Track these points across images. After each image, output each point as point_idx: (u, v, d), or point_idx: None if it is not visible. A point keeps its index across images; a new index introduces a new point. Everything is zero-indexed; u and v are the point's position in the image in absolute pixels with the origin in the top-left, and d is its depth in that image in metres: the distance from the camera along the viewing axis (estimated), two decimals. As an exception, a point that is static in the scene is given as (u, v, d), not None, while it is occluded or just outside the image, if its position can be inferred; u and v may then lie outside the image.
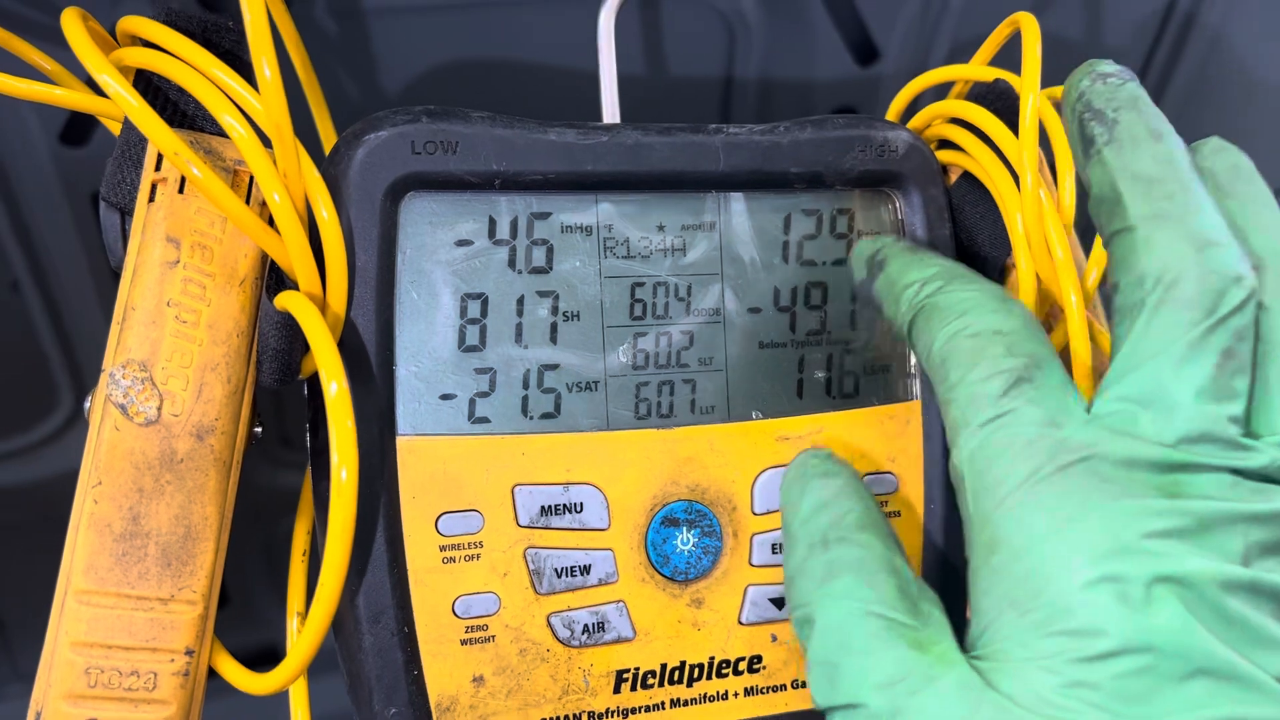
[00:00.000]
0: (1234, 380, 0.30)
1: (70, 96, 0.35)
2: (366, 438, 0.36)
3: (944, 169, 0.44)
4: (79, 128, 0.51)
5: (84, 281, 0.54)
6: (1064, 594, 0.28)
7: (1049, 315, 0.42)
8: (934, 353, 0.34)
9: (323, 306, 0.34)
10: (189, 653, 0.32)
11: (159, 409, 0.32)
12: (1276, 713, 0.27)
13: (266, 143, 0.33)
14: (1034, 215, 0.38)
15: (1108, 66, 0.34)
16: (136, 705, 0.31)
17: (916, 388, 0.42)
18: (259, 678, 0.33)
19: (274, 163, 0.32)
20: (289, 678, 0.32)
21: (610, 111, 0.43)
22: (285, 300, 0.33)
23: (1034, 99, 0.38)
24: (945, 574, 0.42)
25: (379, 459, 0.36)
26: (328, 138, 0.46)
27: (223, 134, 0.36)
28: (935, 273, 0.36)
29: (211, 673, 0.34)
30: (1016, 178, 0.39)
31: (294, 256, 0.33)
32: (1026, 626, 0.29)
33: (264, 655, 0.96)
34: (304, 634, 0.31)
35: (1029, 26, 0.39)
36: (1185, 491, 0.29)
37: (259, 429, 0.37)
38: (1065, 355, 0.40)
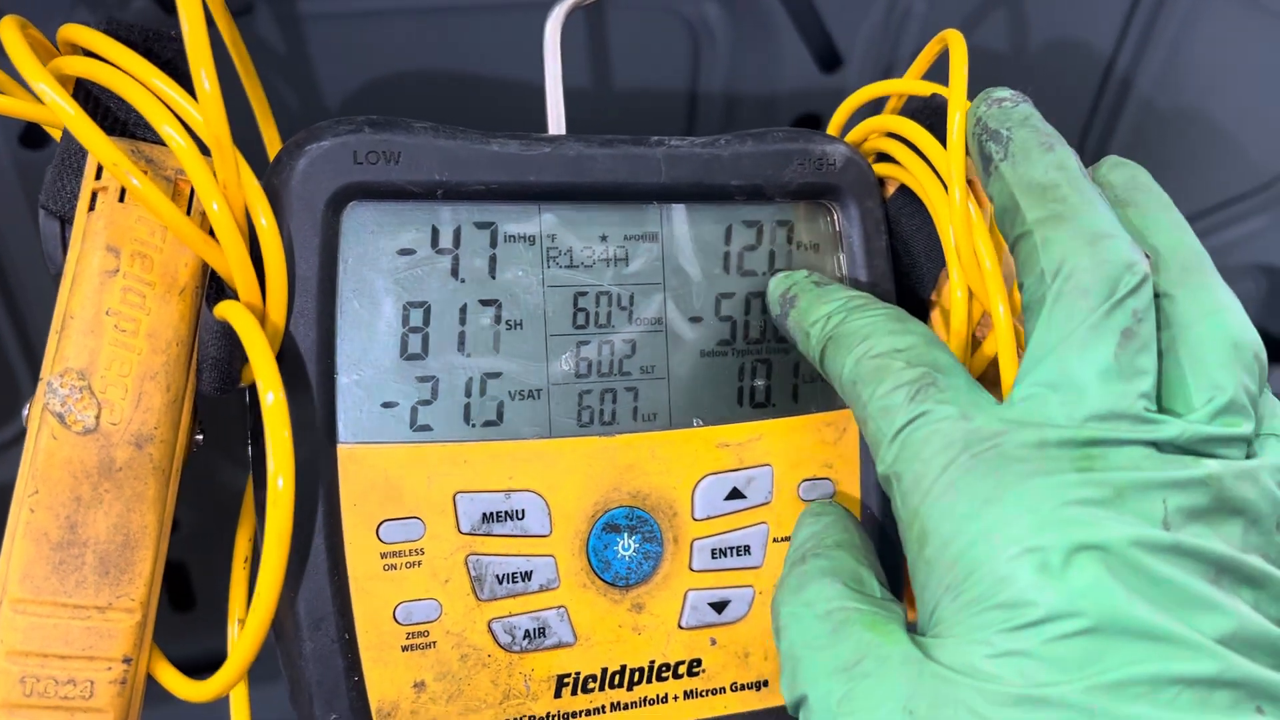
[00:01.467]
0: (1137, 359, 0.31)
1: (10, 103, 0.35)
2: (307, 446, 0.36)
3: (881, 182, 0.45)
4: (37, 131, 0.50)
5: (47, 285, 0.53)
6: (991, 571, 0.30)
7: (981, 324, 0.43)
8: (844, 379, 0.36)
9: (262, 316, 0.34)
10: (127, 661, 0.32)
11: (97, 418, 0.32)
12: (1206, 668, 0.28)
13: (206, 152, 0.33)
14: (963, 227, 0.39)
15: (1002, 92, 0.37)
16: (73, 714, 0.31)
17: (854, 395, 0.43)
18: (198, 685, 0.33)
19: (213, 173, 0.33)
20: (227, 684, 0.32)
21: (556, 123, 0.43)
22: (224, 310, 0.33)
23: (960, 114, 0.39)
24: (886, 573, 0.43)
25: (320, 467, 0.36)
26: (273, 147, 0.46)
27: (163, 143, 0.36)
28: (839, 305, 0.38)
29: (152, 680, 0.34)
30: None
31: (233, 266, 0.33)
32: (961, 606, 0.30)
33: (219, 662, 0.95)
34: (241, 639, 0.32)
35: (956, 43, 0.40)
36: (1100, 465, 0.30)
37: (200, 436, 0.37)
38: (995, 365, 0.41)
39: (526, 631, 0.39)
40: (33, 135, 0.50)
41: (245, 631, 0.31)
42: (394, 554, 0.37)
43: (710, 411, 0.41)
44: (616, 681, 0.40)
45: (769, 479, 0.42)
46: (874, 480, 0.43)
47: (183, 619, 0.83)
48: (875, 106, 0.48)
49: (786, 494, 0.42)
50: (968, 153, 0.38)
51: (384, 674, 0.37)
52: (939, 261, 0.43)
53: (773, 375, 0.42)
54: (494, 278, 0.39)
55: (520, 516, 0.39)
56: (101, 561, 0.32)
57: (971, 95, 0.39)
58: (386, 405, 0.37)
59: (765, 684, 0.42)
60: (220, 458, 0.55)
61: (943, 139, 0.41)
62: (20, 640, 0.31)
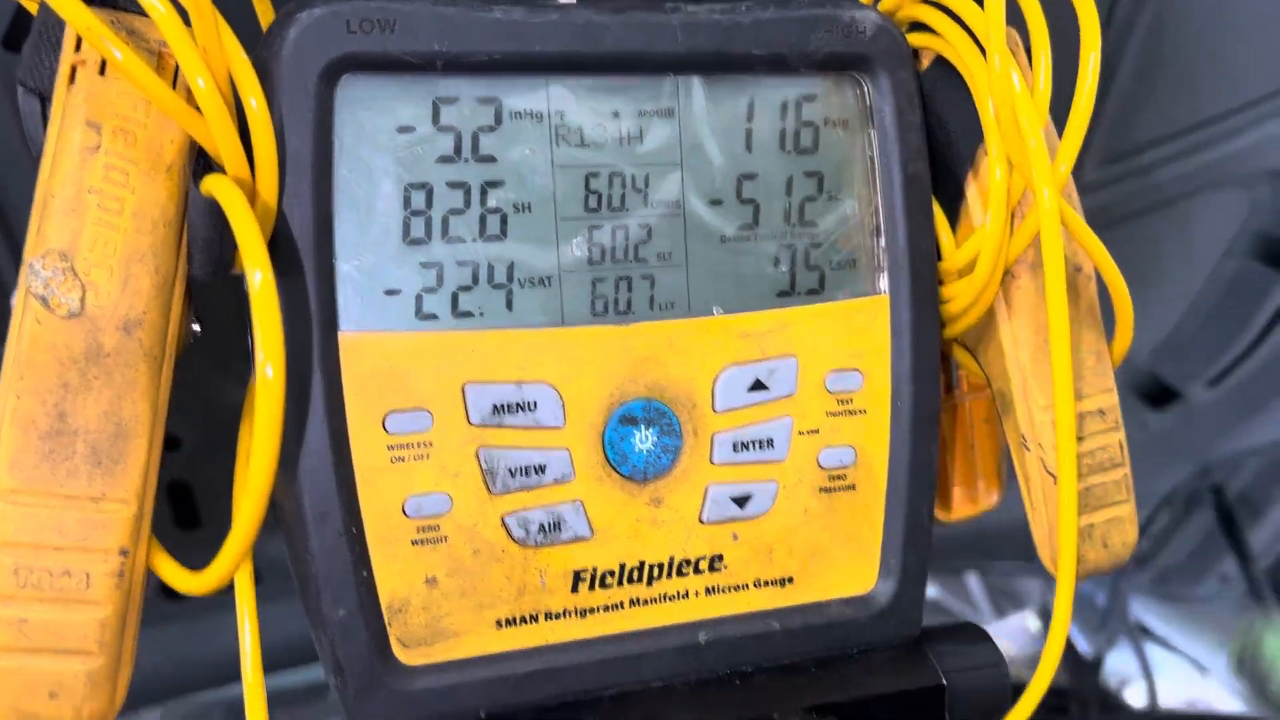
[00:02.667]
0: None
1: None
2: (305, 334, 0.34)
3: (915, 53, 0.42)
4: (22, 30, 0.48)
5: (32, 181, 0.52)
6: None
7: (1021, 203, 0.40)
8: None
9: (252, 194, 0.33)
10: (123, 553, 0.31)
11: (81, 300, 0.31)
12: None
13: (189, 22, 0.31)
14: (1004, 96, 0.37)
15: None
16: (70, 606, 0.31)
17: (884, 282, 0.41)
18: (195, 576, 0.32)
19: (196, 41, 0.30)
20: (223, 574, 0.31)
21: (564, -7, 0.41)
22: (210, 184, 0.31)
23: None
24: (913, 471, 0.41)
25: (321, 356, 0.35)
26: (266, 20, 0.44)
27: (145, 13, 0.34)
28: None
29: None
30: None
31: (219, 139, 0.31)
32: None
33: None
34: (234, 530, 0.30)
35: None
36: None
37: (196, 327, 0.35)
38: (1037, 245, 0.39)
39: (541, 525, 0.37)
40: (16, 36, 0.48)
41: (237, 522, 0.30)
42: (401, 446, 0.36)
43: (731, 300, 0.39)
44: (635, 577, 0.39)
45: (793, 370, 0.40)
46: (905, 371, 0.41)
47: (189, 538, 0.83)
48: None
49: (812, 386, 0.40)
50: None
51: (394, 569, 0.36)
52: (976, 138, 0.41)
53: (797, 262, 0.40)
54: (499, 158, 0.37)
55: (532, 408, 0.37)
56: (93, 451, 0.31)
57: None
58: (390, 293, 0.36)
59: (790, 580, 0.40)
60: (222, 374, 0.53)
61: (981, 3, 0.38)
62: (12, 531, 0.30)
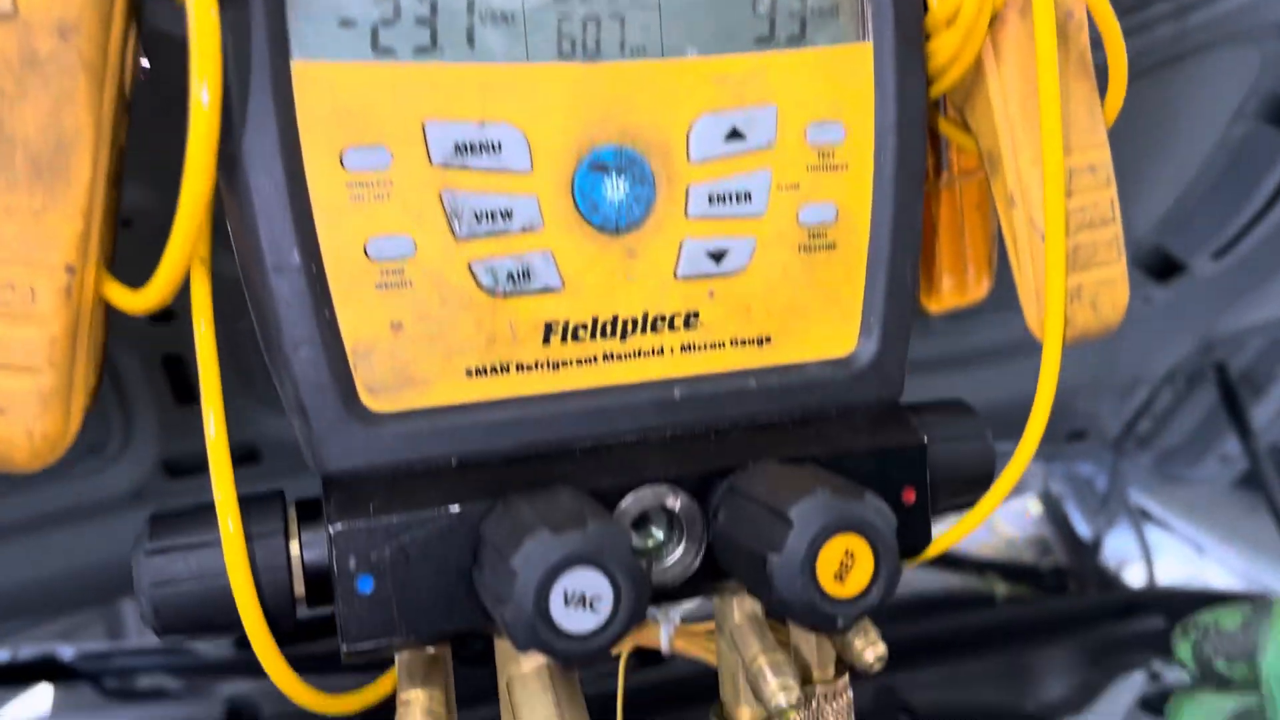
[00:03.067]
0: None
1: None
2: (255, 61, 0.33)
3: None
4: None
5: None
6: None
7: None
8: None
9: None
10: (70, 270, 0.30)
11: (14, 1, 0.29)
12: None
13: None
14: None
15: None
16: (15, 320, 0.30)
17: (868, 29, 0.39)
18: (138, 293, 0.31)
19: None
20: (164, 290, 0.30)
21: None
22: None
23: None
24: (896, 231, 0.40)
25: (273, 85, 0.33)
26: None
27: None
28: None
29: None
30: None
31: None
32: None
33: (241, 455, 0.94)
34: (170, 243, 0.29)
35: None
36: None
37: (146, 64, 0.34)
38: None
39: (510, 273, 0.36)
40: None
41: (170, 245, 0.29)
42: (360, 184, 0.34)
43: (707, 43, 0.38)
44: (608, 331, 0.38)
45: (772, 119, 0.38)
46: (888, 124, 0.39)
47: (187, 414, 0.83)
48: None
49: (792, 137, 0.39)
50: None
51: (358, 312, 0.35)
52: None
53: (777, 6, 0.38)
54: (458, -120, 0.35)
55: (497, 149, 0.36)
56: (33, 162, 0.30)
57: None
58: (344, 24, 0.34)
59: (768, 340, 0.39)
60: (216, 245, 0.52)
61: None
62: (-50, 239, 0.29)
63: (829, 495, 0.32)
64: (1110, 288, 0.41)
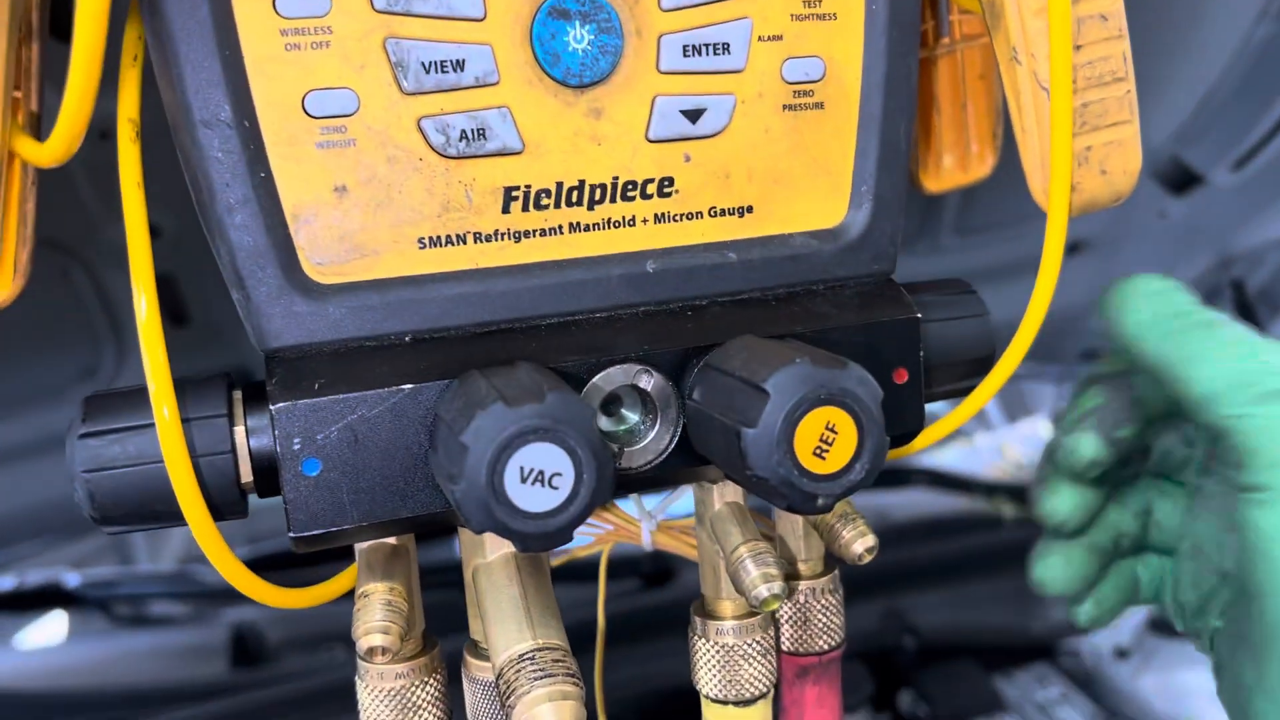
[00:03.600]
0: None
1: None
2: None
3: None
4: None
5: None
6: None
7: None
8: None
9: None
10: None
11: None
12: None
13: None
14: None
15: None
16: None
17: None
18: (43, 145, 0.28)
19: None
20: (66, 140, 0.28)
21: None
22: None
23: None
24: (889, 89, 0.37)
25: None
26: None
27: None
28: None
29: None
30: None
31: None
32: None
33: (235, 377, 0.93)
34: (65, 104, 0.27)
35: None
36: None
37: None
38: None
39: (463, 133, 0.33)
40: None
41: (70, 79, 0.26)
42: (296, 32, 0.31)
43: (678, -123, 0.34)
44: (574, 199, 0.35)
45: (752, -37, 0.35)
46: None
47: (179, 336, 0.80)
48: None
49: (773, -17, 0.35)
50: None
51: (297, 172, 0.32)
52: None
53: None
54: None
55: (446, -7, 0.32)
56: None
57: None
58: None
59: (749, 210, 0.36)
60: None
61: None
62: None
63: (809, 365, 0.30)
64: (1121, 150, 0.38)
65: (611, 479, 0.29)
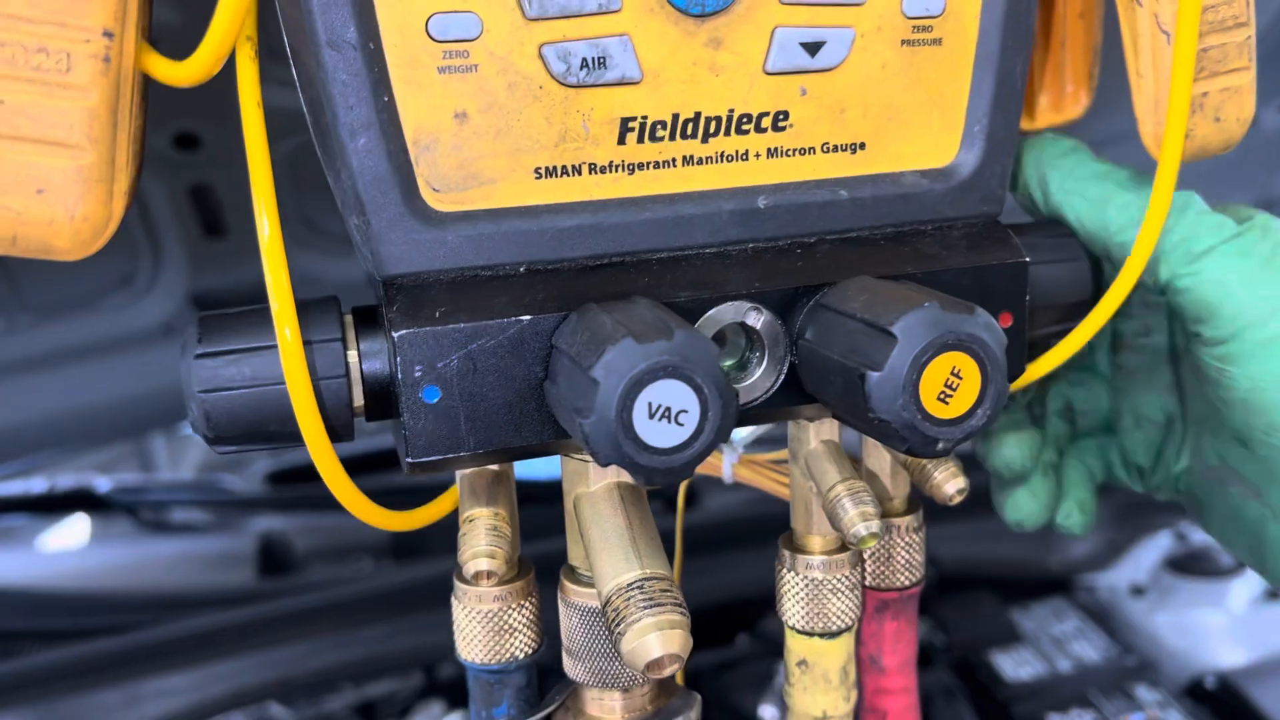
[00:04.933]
0: None
1: None
2: None
3: None
4: None
5: None
6: None
7: None
8: None
9: None
10: (107, 35, 0.27)
11: None
12: None
13: None
14: None
15: None
16: (50, 89, 0.27)
17: None
18: (182, 65, 0.28)
19: None
20: (209, 59, 0.27)
21: None
22: None
23: None
24: (1007, 28, 0.36)
25: None
26: None
27: None
28: None
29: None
30: None
31: None
32: None
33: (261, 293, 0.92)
34: (213, 25, 0.26)
35: None
36: None
37: None
38: None
39: (584, 60, 0.33)
40: None
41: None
42: (421, -49, 0.31)
43: None
44: (689, 131, 0.34)
45: (879, -109, 0.34)
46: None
47: (216, 248, 0.80)
48: None
49: (900, -87, 0.34)
50: None
51: (419, 98, 0.31)
52: None
53: None
54: None
55: (574, -85, 0.31)
56: (60, -94, 0.26)
57: None
58: None
59: (862, 146, 0.36)
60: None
61: None
62: (-28, -8, 0.26)
63: (938, 310, 0.30)
64: (1236, 97, 0.37)
65: (735, 416, 0.30)
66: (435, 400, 0.32)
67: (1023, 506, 0.44)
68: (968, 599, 1.01)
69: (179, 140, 0.68)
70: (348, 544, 1.27)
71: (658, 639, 0.31)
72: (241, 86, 0.31)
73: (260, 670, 0.86)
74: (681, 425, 0.29)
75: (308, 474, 1.21)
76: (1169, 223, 0.37)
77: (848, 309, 0.32)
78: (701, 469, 0.44)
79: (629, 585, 0.33)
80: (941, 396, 0.30)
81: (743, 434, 0.44)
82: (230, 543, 1.26)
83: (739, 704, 0.93)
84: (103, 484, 1.31)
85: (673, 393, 0.29)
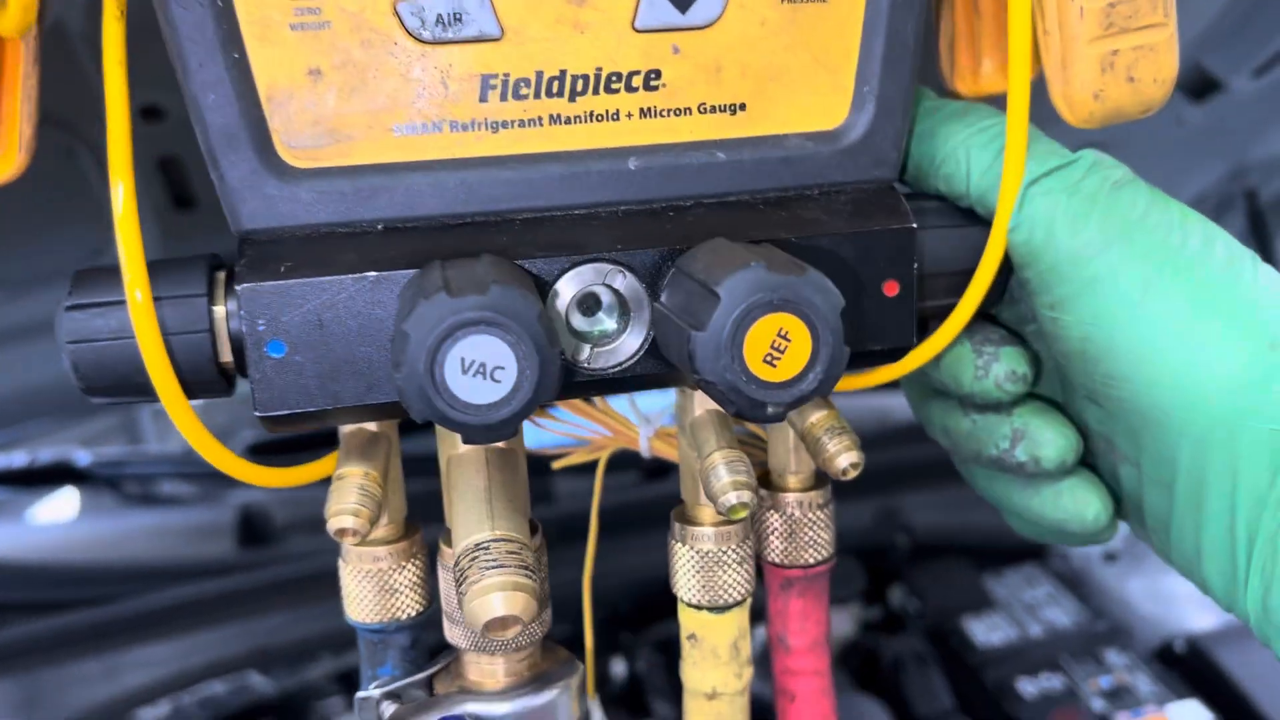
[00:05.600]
0: None
1: None
2: None
3: None
4: None
5: None
6: None
7: None
8: None
9: None
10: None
11: None
12: None
13: None
14: None
15: None
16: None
17: None
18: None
19: None
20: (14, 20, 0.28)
21: None
22: None
23: None
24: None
25: None
26: None
27: None
28: None
29: None
30: None
31: None
32: None
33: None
34: None
35: None
36: None
37: None
38: None
39: (439, 16, 0.32)
40: None
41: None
42: (268, -93, 0.31)
43: None
44: (555, 89, 0.34)
45: None
46: None
47: (185, 219, 0.81)
48: None
49: None
50: None
51: (271, 56, 0.32)
52: None
53: None
54: None
55: None
56: None
57: None
58: None
59: (741, 107, 0.35)
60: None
61: None
62: None
63: (763, 270, 0.29)
64: (1152, 55, 0.35)
65: (558, 375, 0.29)
66: (281, 355, 0.32)
67: (1092, 500, 0.38)
68: (941, 566, 1.00)
69: (145, 113, 0.69)
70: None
71: (499, 599, 0.31)
72: (105, 45, 0.32)
73: (240, 640, 0.87)
74: (498, 382, 0.29)
75: (289, 446, 1.21)
76: (995, 155, 0.35)
77: (691, 270, 0.31)
78: (619, 443, 0.44)
79: (476, 546, 0.33)
80: (768, 359, 0.29)
81: (659, 406, 0.43)
82: (210, 515, 1.27)
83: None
84: (83, 457, 1.33)
85: (487, 348, 0.28)
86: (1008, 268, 0.37)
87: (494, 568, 0.32)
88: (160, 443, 1.57)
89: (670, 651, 0.91)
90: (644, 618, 0.94)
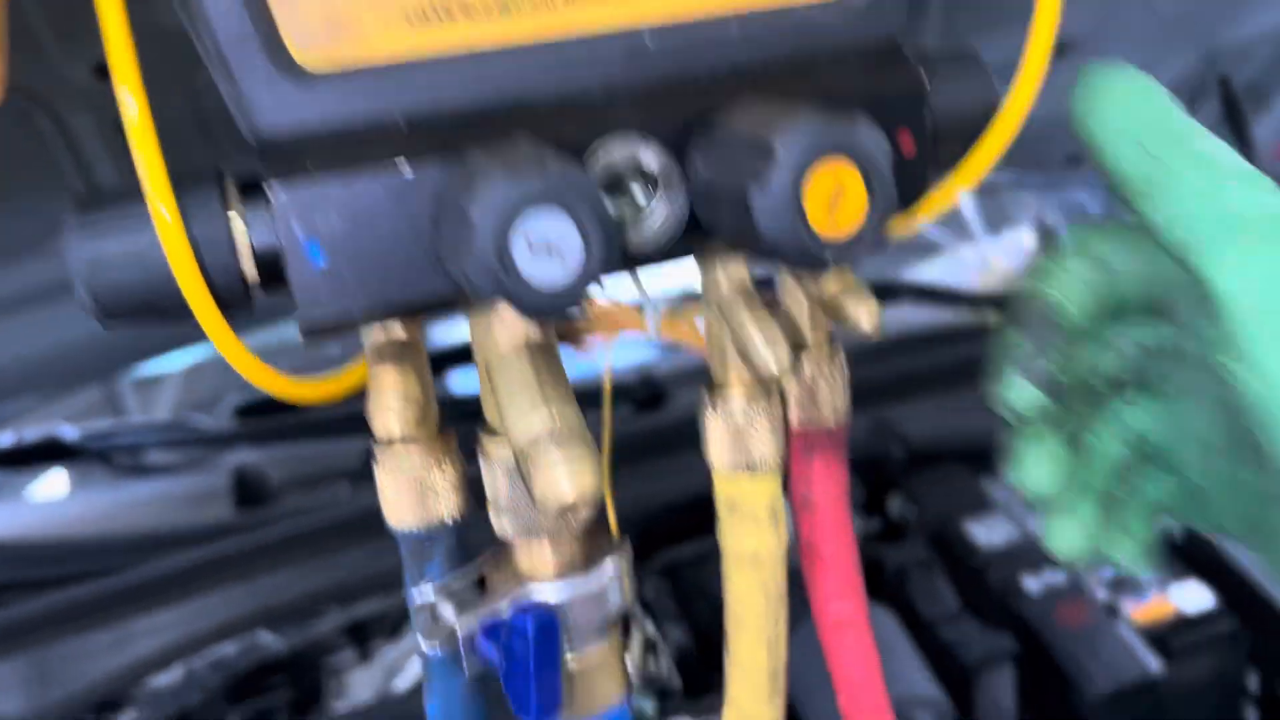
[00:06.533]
0: None
1: None
2: None
3: None
4: None
5: None
6: None
7: None
8: None
9: None
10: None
11: None
12: None
13: None
14: None
15: None
16: None
17: None
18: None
19: None
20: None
21: None
22: None
23: None
24: None
25: None
26: None
27: None
28: None
29: None
30: None
31: None
32: None
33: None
34: None
35: None
36: None
37: None
38: None
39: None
40: None
41: None
42: None
43: None
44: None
45: None
46: None
47: None
48: None
49: None
50: None
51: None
52: None
53: None
54: None
55: None
56: None
57: None
58: None
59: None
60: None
61: None
62: None
63: (817, 118, 0.29)
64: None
65: (615, 244, 0.29)
66: (320, 258, 0.31)
67: (1062, 535, 0.37)
68: (937, 472, 1.02)
69: (99, 70, 0.66)
70: (322, 471, 1.27)
71: (573, 477, 0.31)
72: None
73: (246, 600, 0.86)
74: (563, 257, 0.29)
75: (276, 405, 1.20)
76: (1199, 180, 0.30)
77: (732, 129, 0.32)
78: (626, 325, 0.44)
79: (541, 430, 0.33)
80: (826, 208, 0.30)
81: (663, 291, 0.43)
82: (205, 480, 1.25)
83: (717, 592, 0.96)
84: (70, 432, 1.30)
85: (549, 225, 0.28)
86: None
87: (563, 448, 0.32)
88: (144, 413, 1.52)
89: (676, 576, 0.92)
90: (646, 548, 0.94)
